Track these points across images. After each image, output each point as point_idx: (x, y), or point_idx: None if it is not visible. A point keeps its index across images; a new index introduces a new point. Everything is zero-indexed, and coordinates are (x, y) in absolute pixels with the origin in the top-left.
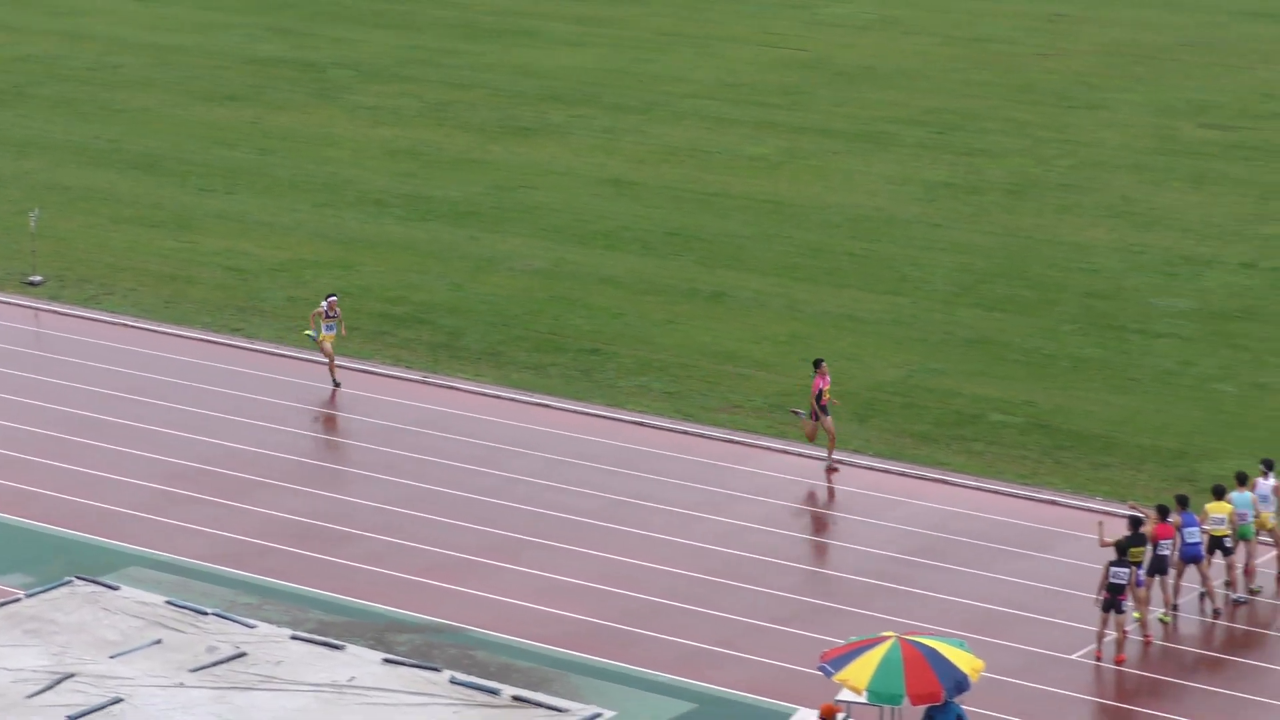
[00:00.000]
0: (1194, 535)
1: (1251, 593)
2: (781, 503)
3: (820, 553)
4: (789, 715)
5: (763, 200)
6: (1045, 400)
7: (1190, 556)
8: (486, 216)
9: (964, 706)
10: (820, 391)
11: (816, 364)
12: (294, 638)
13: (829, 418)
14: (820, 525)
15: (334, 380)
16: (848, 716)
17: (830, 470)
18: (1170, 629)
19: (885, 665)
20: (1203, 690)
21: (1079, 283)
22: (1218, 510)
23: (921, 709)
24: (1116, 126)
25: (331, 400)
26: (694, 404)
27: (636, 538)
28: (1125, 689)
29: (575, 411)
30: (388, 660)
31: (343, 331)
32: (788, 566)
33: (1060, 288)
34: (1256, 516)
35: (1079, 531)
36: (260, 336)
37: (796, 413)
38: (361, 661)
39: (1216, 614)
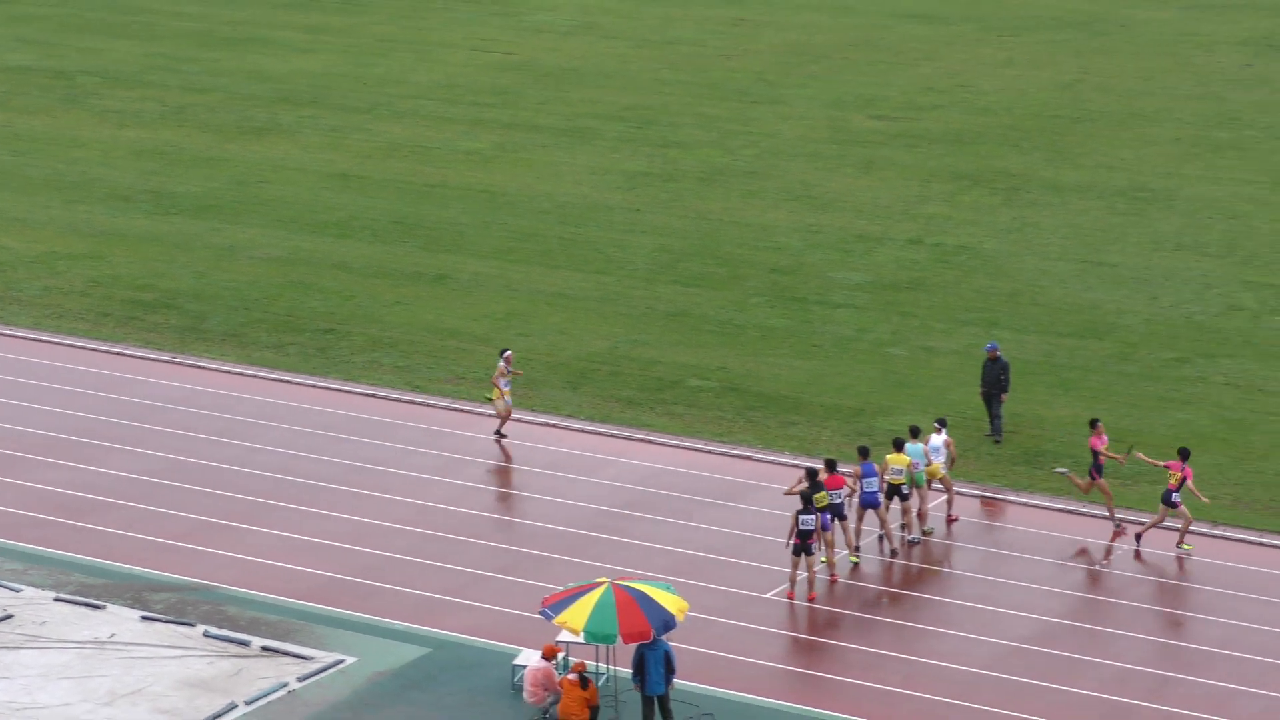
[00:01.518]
0: (872, 484)
1: (925, 534)
2: (503, 464)
3: (539, 509)
4: (514, 656)
5: (479, 190)
6: (737, 366)
7: (869, 503)
8: (226, 210)
9: (671, 643)
10: (1097, 452)
11: (1093, 424)
12: (57, 599)
13: (1103, 479)
14: (539, 484)
15: (499, 431)
16: (567, 655)
17: (1117, 532)
18: (854, 568)
19: (600, 608)
20: (883, 622)
21: (765, 260)
22: (896, 461)
23: (633, 646)
24: (794, 119)
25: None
26: (421, 376)
27: (373, 499)
28: (816, 623)
29: (313, 386)
30: (146, 617)
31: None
32: (510, 522)
33: (748, 265)
34: (928, 465)
35: (770, 483)
36: (18, 324)
37: (1062, 472)
38: (121, 619)
39: (894, 554)
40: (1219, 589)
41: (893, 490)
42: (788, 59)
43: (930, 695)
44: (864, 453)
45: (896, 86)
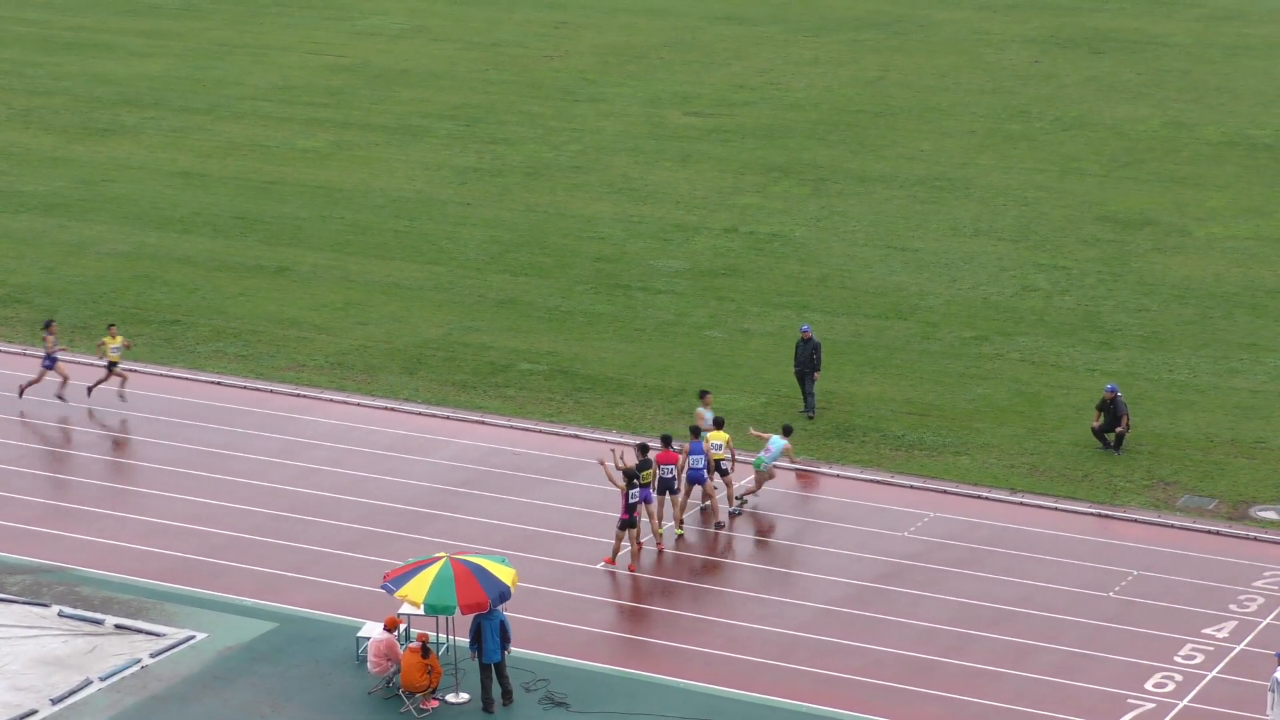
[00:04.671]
0: (699, 461)
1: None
2: (344, 446)
3: (379, 488)
4: (358, 628)
5: (316, 187)
6: (565, 350)
7: (695, 479)
8: (73, 208)
9: (506, 613)
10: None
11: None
12: None
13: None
14: (378, 464)
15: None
16: (408, 627)
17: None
18: (679, 539)
19: (439, 581)
20: (707, 589)
21: (589, 249)
22: (717, 438)
23: (471, 617)
24: (614, 116)
25: None
26: (264, 364)
27: (219, 482)
28: (642, 591)
29: (160, 375)
30: (1, 599)
31: None
32: (351, 501)
33: (574, 254)
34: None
35: (597, 460)
36: None
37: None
38: None
39: (719, 526)
40: (1016, 551)
41: (714, 465)
42: (607, 59)
43: (750, 657)
44: (695, 432)
45: (710, 84)
